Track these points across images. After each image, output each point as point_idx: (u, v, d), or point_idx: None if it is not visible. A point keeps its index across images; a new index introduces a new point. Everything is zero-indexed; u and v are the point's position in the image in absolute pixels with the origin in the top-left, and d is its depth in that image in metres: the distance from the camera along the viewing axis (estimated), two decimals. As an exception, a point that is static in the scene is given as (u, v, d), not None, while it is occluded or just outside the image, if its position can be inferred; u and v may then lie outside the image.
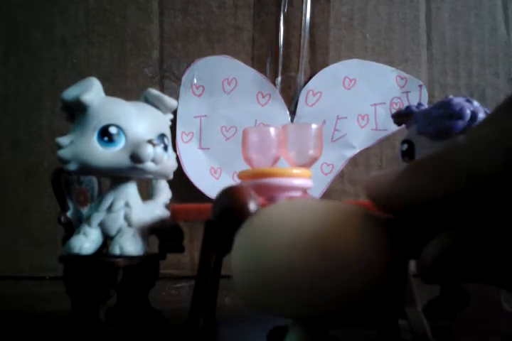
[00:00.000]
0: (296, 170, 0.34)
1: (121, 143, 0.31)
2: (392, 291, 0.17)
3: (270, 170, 0.33)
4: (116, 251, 0.30)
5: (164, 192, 0.39)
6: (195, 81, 0.63)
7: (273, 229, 0.17)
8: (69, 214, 0.33)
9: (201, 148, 0.63)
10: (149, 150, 0.30)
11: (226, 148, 0.62)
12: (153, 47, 0.64)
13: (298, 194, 0.34)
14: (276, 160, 0.37)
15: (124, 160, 0.31)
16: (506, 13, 0.66)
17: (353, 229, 0.17)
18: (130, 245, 0.31)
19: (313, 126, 0.36)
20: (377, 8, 0.65)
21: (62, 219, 0.32)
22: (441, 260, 0.15)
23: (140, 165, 0.31)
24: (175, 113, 0.62)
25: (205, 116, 0.63)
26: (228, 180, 0.62)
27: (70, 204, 0.33)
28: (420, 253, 0.16)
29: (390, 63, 0.64)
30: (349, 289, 0.16)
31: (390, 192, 0.16)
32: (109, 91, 0.34)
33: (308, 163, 0.36)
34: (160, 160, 0.32)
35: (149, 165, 0.31)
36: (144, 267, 0.34)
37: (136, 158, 0.30)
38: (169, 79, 0.63)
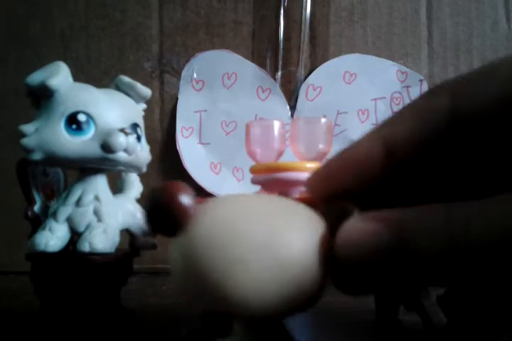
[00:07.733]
0: (309, 164, 0.33)
1: (90, 132, 0.29)
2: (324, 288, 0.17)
3: (284, 164, 0.32)
4: (86, 248, 0.28)
5: (135, 186, 0.36)
6: (194, 75, 0.62)
7: (217, 235, 0.16)
8: (36, 208, 0.31)
9: (201, 143, 0.63)
10: (121, 139, 0.28)
11: (226, 143, 0.62)
12: (152, 42, 0.63)
13: None
14: (280, 154, 0.36)
15: (93, 150, 0.29)
16: (507, 8, 0.65)
17: (293, 227, 0.16)
18: (100, 242, 0.28)
19: (323, 120, 0.36)
20: (377, 3, 0.65)
21: (29, 213, 0.30)
22: None
23: (111, 155, 0.29)
24: (175, 108, 0.62)
25: (205, 110, 0.63)
26: (228, 175, 0.62)
27: (37, 198, 0.31)
28: None
29: (391, 58, 0.64)
30: (292, 290, 0.16)
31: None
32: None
33: (318, 158, 0.35)
34: (133, 151, 0.30)
35: (121, 156, 0.29)
36: (116, 264, 0.31)
37: (107, 147, 0.28)
38: (169, 74, 0.63)
